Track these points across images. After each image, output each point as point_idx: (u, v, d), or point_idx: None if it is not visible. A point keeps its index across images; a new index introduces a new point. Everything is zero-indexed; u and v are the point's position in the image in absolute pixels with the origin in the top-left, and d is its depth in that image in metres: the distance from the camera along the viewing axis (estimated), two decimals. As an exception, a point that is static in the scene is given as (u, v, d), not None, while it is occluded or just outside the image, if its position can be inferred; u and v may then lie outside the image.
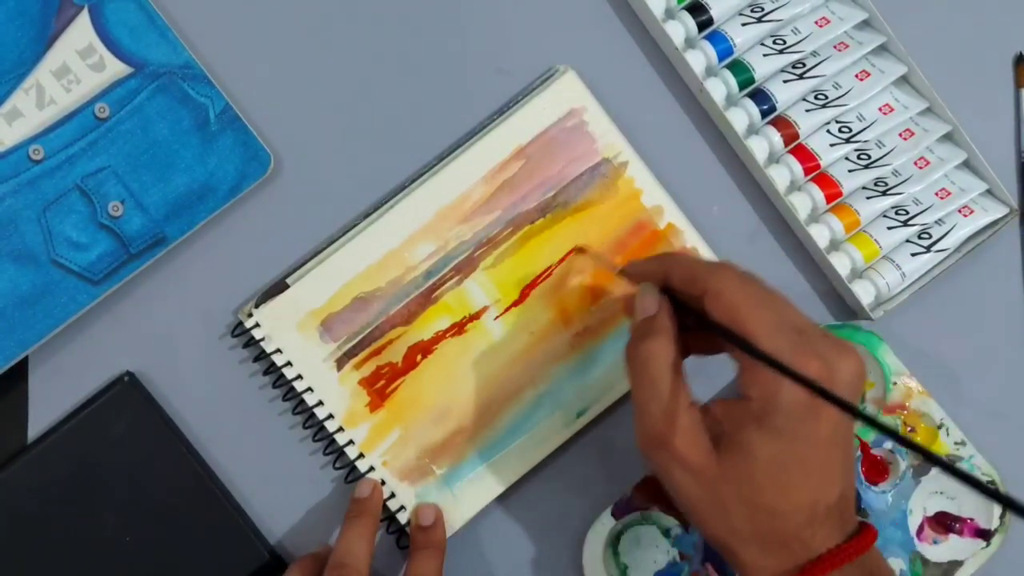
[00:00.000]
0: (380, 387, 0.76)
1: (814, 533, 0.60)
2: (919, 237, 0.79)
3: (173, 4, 0.76)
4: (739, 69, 0.78)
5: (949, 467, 0.52)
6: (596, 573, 0.77)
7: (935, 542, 0.79)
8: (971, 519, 0.79)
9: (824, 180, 0.79)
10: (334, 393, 0.75)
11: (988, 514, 0.79)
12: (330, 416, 0.75)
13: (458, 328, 0.77)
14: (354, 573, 0.69)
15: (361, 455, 0.76)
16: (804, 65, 0.79)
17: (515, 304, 0.77)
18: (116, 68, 0.74)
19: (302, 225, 0.77)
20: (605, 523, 0.77)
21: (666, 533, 0.79)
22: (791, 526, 0.59)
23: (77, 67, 0.73)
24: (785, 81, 0.79)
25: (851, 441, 0.62)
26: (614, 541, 0.78)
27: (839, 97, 0.79)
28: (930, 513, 0.80)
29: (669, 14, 0.79)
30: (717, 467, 0.60)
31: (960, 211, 0.80)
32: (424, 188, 0.76)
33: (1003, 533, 0.79)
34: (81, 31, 0.73)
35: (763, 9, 0.79)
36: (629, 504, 0.77)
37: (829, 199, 0.79)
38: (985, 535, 0.79)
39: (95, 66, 0.73)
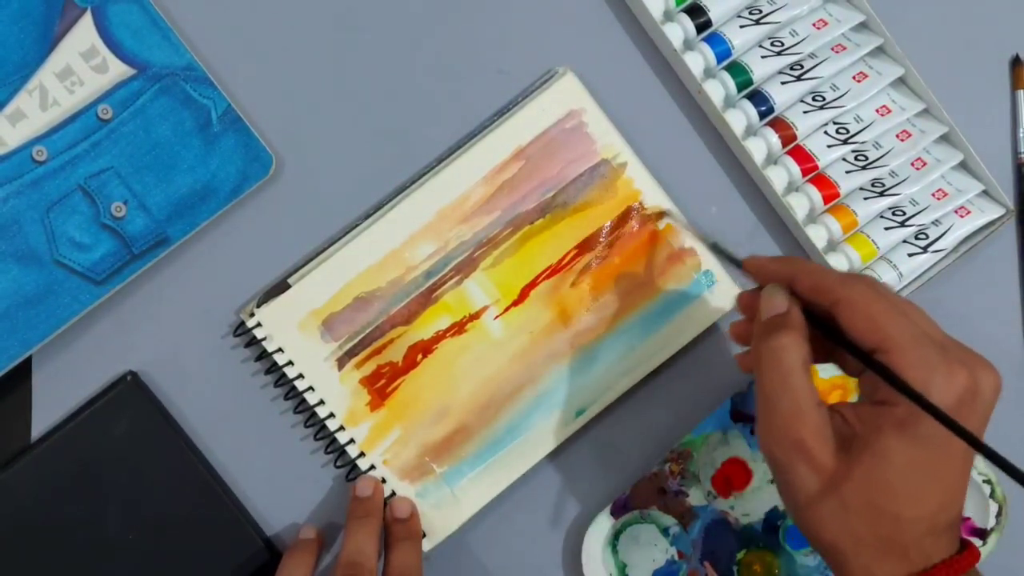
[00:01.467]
0: (381, 386, 0.76)
1: (933, 543, 0.59)
2: (916, 237, 0.79)
3: (176, 6, 0.76)
4: (737, 71, 0.79)
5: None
6: (595, 572, 0.78)
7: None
8: (968, 518, 0.79)
9: (822, 181, 0.79)
10: (335, 392, 0.76)
11: (984, 514, 0.79)
12: (331, 415, 0.76)
13: (458, 328, 0.77)
14: (367, 573, 0.70)
15: (362, 454, 0.76)
16: (802, 67, 0.79)
17: (515, 304, 0.78)
18: (119, 70, 0.74)
19: (303, 225, 0.78)
20: (604, 522, 0.78)
21: (664, 532, 0.79)
22: (913, 534, 0.59)
23: (80, 69, 0.74)
24: (783, 83, 0.79)
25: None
26: (613, 540, 0.79)
27: (837, 98, 0.79)
28: (927, 512, 0.80)
29: (668, 16, 0.80)
30: (845, 468, 0.59)
31: (957, 212, 0.80)
32: (424, 189, 0.77)
33: (999, 533, 0.79)
34: (84, 33, 0.74)
35: (761, 11, 0.79)
36: (628, 503, 0.78)
37: (827, 200, 0.79)
38: (982, 534, 0.79)
39: (98, 68, 0.74)
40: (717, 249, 0.70)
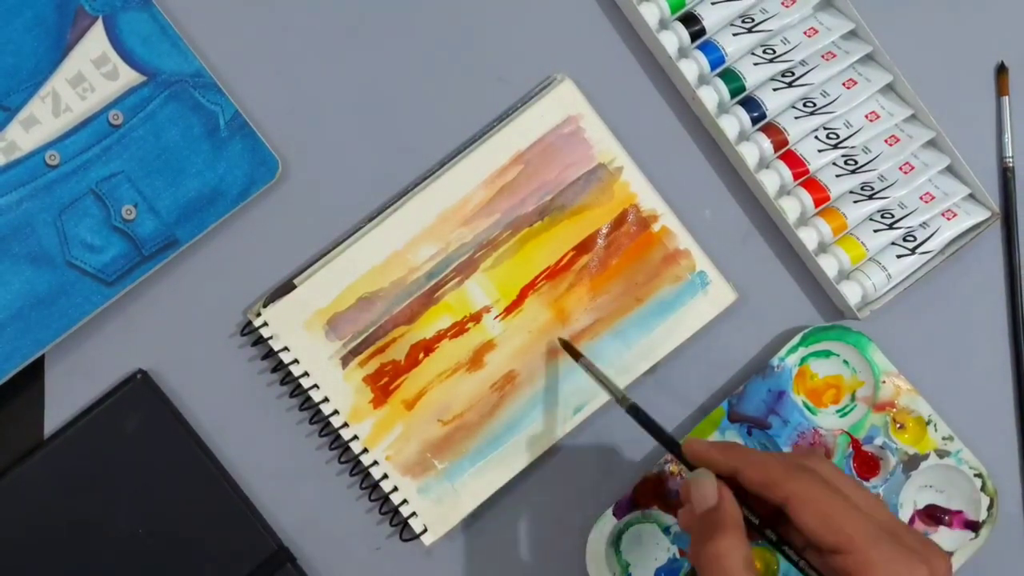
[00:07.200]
0: (383, 384, 0.78)
1: None
2: (904, 239, 0.81)
3: (185, 14, 0.78)
4: (730, 77, 0.80)
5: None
6: (599, 571, 0.79)
7: (926, 534, 0.80)
8: (960, 511, 0.81)
9: (812, 185, 0.81)
10: (339, 390, 0.77)
11: (977, 506, 0.80)
12: (335, 412, 0.77)
13: (459, 327, 0.79)
14: None
15: (365, 450, 0.77)
16: (793, 74, 0.81)
17: (514, 304, 0.79)
18: (129, 76, 0.76)
19: (308, 228, 0.79)
20: (607, 522, 0.79)
21: (666, 530, 0.80)
22: None
23: (92, 75, 0.75)
24: (775, 89, 0.81)
25: None
26: (616, 540, 0.80)
27: (827, 104, 0.81)
28: (920, 506, 0.81)
29: (663, 24, 0.81)
30: None
31: (944, 214, 0.81)
32: (426, 192, 0.78)
33: (991, 525, 0.80)
34: (96, 41, 0.75)
35: (754, 20, 0.81)
36: (630, 503, 0.79)
37: (817, 203, 0.80)
38: (974, 527, 0.80)
39: (109, 74, 0.76)
40: (637, 413, 0.70)
